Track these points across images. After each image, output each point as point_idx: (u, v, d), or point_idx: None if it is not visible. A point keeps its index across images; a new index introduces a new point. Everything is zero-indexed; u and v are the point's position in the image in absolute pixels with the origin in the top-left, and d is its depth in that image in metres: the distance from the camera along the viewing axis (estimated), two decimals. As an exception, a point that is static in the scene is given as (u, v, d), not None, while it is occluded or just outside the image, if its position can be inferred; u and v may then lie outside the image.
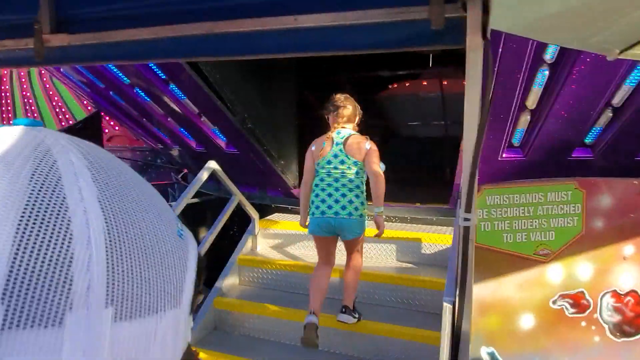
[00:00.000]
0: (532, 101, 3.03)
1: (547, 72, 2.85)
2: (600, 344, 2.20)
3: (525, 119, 3.20)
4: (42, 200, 0.29)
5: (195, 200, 4.76)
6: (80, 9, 1.47)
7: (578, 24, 1.44)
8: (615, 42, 1.82)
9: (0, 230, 0.27)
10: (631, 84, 2.87)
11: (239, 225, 4.33)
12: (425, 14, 1.14)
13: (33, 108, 9.73)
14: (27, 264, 0.27)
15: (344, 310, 2.98)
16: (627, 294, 2.18)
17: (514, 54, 2.77)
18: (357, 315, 3.05)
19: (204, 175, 3.45)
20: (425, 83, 6.66)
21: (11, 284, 0.27)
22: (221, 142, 4.37)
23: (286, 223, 4.22)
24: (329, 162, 2.96)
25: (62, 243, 0.28)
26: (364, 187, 2.99)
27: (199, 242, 3.70)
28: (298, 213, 4.50)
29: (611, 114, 3.12)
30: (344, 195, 2.91)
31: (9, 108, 9.69)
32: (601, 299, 2.19)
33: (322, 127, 3.18)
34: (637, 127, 3.14)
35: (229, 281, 3.77)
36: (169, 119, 4.41)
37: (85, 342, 0.28)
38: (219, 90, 3.67)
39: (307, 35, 1.26)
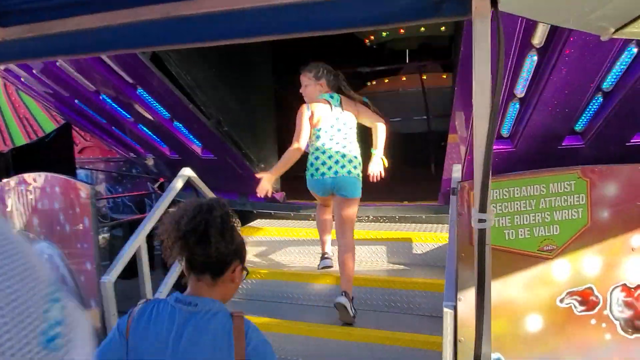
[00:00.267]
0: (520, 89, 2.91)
1: (535, 58, 2.73)
2: (612, 342, 2.07)
3: (514, 108, 3.08)
4: None
5: (169, 210, 4.50)
6: (14, -1, 1.25)
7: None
8: (613, 18, 1.71)
9: None
10: (622, 66, 2.78)
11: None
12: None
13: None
14: None
15: (343, 294, 2.98)
16: (637, 287, 2.05)
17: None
18: (355, 310, 2.98)
19: (178, 183, 3.24)
20: (404, 78, 6.57)
21: None
22: (196, 147, 4.15)
23: (269, 229, 4.02)
24: (332, 126, 3.12)
25: None
26: (359, 150, 3.20)
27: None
28: (282, 218, 4.34)
29: (601, 99, 3.03)
30: (343, 155, 3.08)
31: (-27, 124, 9.25)
32: (610, 294, 2.05)
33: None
34: (627, 111, 3.05)
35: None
36: (139, 126, 4.16)
37: None
38: (191, 92, 3.45)
39: (290, 13, 1.06)
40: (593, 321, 2.07)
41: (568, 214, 1.98)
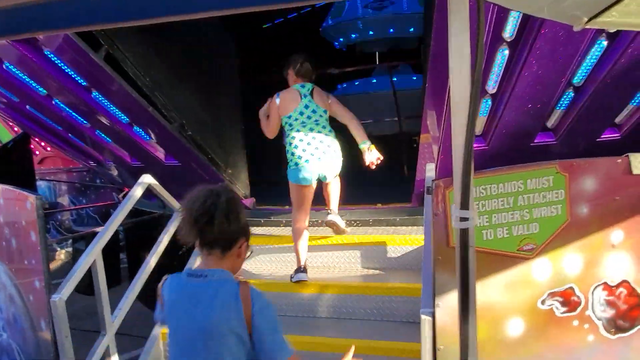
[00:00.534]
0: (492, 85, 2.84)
1: (507, 52, 2.66)
2: (594, 342, 1.99)
3: (486, 104, 3.01)
4: None
5: (134, 220, 4.28)
6: None
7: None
8: (586, 7, 1.64)
9: None
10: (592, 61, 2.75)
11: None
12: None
13: (-44, 132, 8.81)
14: None
15: (330, 212, 3.29)
16: (618, 285, 1.98)
17: (472, 33, 2.56)
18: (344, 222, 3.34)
19: (137, 191, 3.03)
20: (374, 80, 6.50)
21: None
22: (159, 153, 3.93)
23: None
24: (301, 113, 3.23)
25: None
26: (334, 133, 3.33)
27: (139, 265, 3.29)
28: (252, 225, 4.15)
29: (572, 94, 3.00)
30: (321, 141, 3.20)
31: None
32: (592, 293, 1.98)
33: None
34: (597, 106, 3.03)
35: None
36: (97, 132, 3.92)
37: None
38: (150, 94, 3.25)
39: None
40: (575, 322, 1.99)
41: (547, 210, 1.89)
